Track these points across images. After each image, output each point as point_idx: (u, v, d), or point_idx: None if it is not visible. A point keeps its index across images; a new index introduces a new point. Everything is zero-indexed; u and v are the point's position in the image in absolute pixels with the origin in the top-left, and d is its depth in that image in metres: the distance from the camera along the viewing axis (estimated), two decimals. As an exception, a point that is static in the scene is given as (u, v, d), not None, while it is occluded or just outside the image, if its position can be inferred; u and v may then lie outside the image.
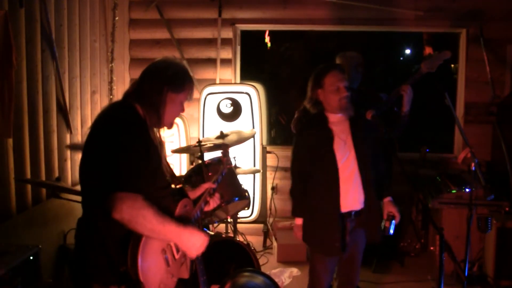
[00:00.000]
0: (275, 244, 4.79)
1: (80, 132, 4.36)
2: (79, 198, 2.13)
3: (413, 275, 4.34)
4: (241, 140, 3.88)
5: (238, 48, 5.42)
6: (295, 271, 4.40)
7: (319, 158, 2.85)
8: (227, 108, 5.02)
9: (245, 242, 3.78)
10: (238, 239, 3.80)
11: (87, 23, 4.49)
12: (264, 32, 6.73)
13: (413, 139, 5.41)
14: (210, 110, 5.06)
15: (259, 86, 5.23)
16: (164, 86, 2.07)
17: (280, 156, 5.20)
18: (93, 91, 4.63)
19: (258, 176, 5.04)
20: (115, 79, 4.97)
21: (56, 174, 3.96)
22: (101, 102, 4.76)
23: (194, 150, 3.81)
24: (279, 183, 5.28)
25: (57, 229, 3.80)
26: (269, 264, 4.60)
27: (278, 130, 6.91)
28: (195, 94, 5.16)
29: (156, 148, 2.11)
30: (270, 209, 5.21)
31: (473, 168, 3.21)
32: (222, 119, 5.03)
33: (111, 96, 4.90)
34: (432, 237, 4.74)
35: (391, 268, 4.50)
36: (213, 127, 4.94)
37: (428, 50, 6.85)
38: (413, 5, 4.95)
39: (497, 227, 3.82)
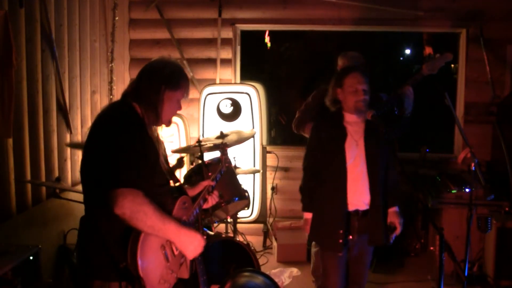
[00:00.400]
0: (275, 244, 4.79)
1: (80, 132, 4.36)
2: (79, 198, 2.14)
3: (413, 275, 4.34)
4: (241, 140, 3.88)
5: (238, 48, 5.41)
6: (295, 271, 4.40)
7: (329, 154, 2.89)
8: (227, 108, 5.02)
9: (245, 242, 3.78)
10: (238, 239, 3.80)
11: (87, 23, 4.49)
12: (264, 32, 6.72)
13: (413, 139, 5.39)
14: (210, 110, 5.06)
15: (259, 86, 5.23)
16: (161, 85, 2.11)
17: (280, 156, 5.20)
18: (93, 91, 4.63)
19: (258, 176, 5.04)
20: (115, 79, 4.97)
21: (56, 174, 3.96)
22: (101, 102, 4.76)
23: (194, 150, 3.82)
24: (279, 183, 5.28)
25: (57, 229, 3.81)
26: (269, 264, 4.60)
27: (278, 130, 6.90)
28: (195, 94, 5.17)
29: (154, 146, 2.15)
30: (270, 209, 5.21)
31: (473, 168, 3.21)
32: (222, 119, 5.03)
33: (111, 96, 4.90)
34: (432, 237, 4.74)
35: (391, 268, 4.50)
36: (213, 127, 4.94)
37: (428, 50, 6.84)
38: (413, 5, 4.95)
39: (497, 227, 3.83)
